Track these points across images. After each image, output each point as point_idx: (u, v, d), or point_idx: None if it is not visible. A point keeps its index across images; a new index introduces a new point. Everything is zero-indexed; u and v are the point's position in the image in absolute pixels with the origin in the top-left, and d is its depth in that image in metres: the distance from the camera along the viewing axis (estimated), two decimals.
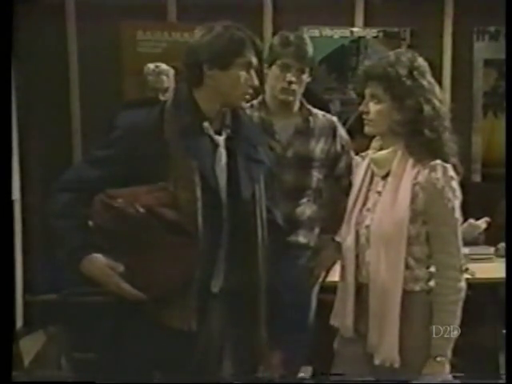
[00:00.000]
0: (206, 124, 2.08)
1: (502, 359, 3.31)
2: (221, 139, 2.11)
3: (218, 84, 2.06)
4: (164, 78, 3.72)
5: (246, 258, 2.12)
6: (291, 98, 2.69)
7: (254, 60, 2.08)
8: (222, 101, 2.08)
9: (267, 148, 2.31)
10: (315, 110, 2.81)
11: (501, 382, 2.78)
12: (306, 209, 2.78)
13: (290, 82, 2.65)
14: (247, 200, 2.11)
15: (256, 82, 2.10)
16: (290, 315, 2.52)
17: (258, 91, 2.14)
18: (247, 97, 2.13)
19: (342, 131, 2.84)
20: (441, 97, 2.15)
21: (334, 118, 2.86)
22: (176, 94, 2.13)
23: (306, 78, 2.70)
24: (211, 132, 2.09)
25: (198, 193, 2.01)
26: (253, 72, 2.08)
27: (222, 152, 2.11)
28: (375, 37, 4.46)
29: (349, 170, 2.69)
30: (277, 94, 2.69)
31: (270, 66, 2.70)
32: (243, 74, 2.06)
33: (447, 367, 2.10)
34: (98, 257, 2.00)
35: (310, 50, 2.68)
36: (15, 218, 3.83)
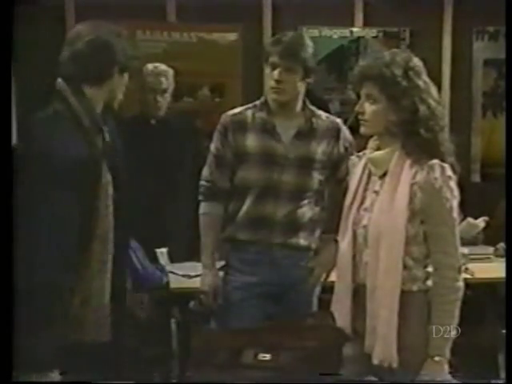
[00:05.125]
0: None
1: (501, 359, 3.31)
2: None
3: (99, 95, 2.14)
4: (163, 79, 3.70)
5: None
6: (281, 98, 2.62)
7: (124, 61, 2.15)
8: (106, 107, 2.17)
9: None
10: (319, 112, 2.74)
11: (500, 382, 2.79)
12: (307, 211, 2.70)
13: (278, 81, 2.58)
14: None
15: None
16: (291, 316, 2.51)
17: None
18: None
19: (346, 133, 2.76)
20: (436, 96, 2.14)
21: (339, 120, 2.78)
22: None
23: (299, 78, 2.61)
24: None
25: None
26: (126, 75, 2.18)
27: None
28: (375, 37, 4.46)
29: None
30: (268, 93, 2.66)
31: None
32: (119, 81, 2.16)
33: (446, 367, 2.09)
34: None
35: (301, 49, 2.60)
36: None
